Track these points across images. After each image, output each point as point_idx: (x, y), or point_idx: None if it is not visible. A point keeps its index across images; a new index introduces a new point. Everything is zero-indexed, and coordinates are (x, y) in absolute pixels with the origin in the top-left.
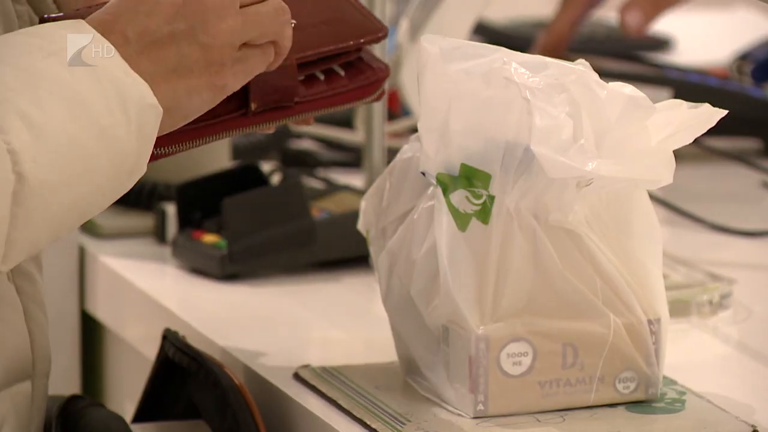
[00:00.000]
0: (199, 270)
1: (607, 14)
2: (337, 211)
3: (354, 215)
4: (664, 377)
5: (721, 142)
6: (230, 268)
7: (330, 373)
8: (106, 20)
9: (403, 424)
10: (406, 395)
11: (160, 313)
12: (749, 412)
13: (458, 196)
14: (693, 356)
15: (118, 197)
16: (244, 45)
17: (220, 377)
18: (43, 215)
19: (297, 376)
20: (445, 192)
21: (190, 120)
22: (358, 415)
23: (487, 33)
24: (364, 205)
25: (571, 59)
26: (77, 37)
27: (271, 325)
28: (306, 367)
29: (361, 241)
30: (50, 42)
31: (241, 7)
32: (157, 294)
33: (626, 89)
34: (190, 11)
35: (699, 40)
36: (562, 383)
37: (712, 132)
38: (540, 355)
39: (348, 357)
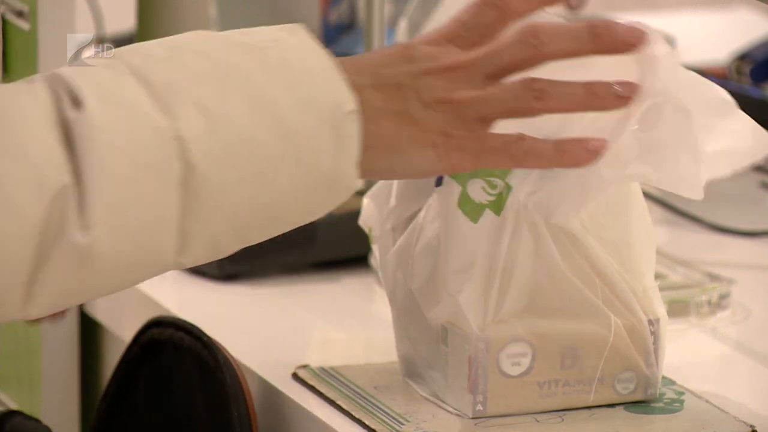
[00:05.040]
0: (198, 270)
1: (605, 14)
2: (336, 212)
3: (354, 216)
4: (663, 377)
5: None
6: (229, 269)
7: (329, 373)
8: (346, 59)
9: (402, 424)
10: (405, 395)
11: (160, 314)
12: (748, 413)
13: (475, 186)
14: (691, 356)
15: (320, 212)
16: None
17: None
18: (218, 210)
19: (296, 377)
20: (462, 179)
21: (401, 177)
22: (357, 416)
23: None
24: (366, 201)
25: None
26: (288, 37)
27: (270, 326)
28: (305, 367)
29: (361, 242)
30: (258, 40)
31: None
32: (156, 294)
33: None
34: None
35: (697, 39)
36: (561, 384)
37: None
38: (539, 355)
39: (347, 357)
